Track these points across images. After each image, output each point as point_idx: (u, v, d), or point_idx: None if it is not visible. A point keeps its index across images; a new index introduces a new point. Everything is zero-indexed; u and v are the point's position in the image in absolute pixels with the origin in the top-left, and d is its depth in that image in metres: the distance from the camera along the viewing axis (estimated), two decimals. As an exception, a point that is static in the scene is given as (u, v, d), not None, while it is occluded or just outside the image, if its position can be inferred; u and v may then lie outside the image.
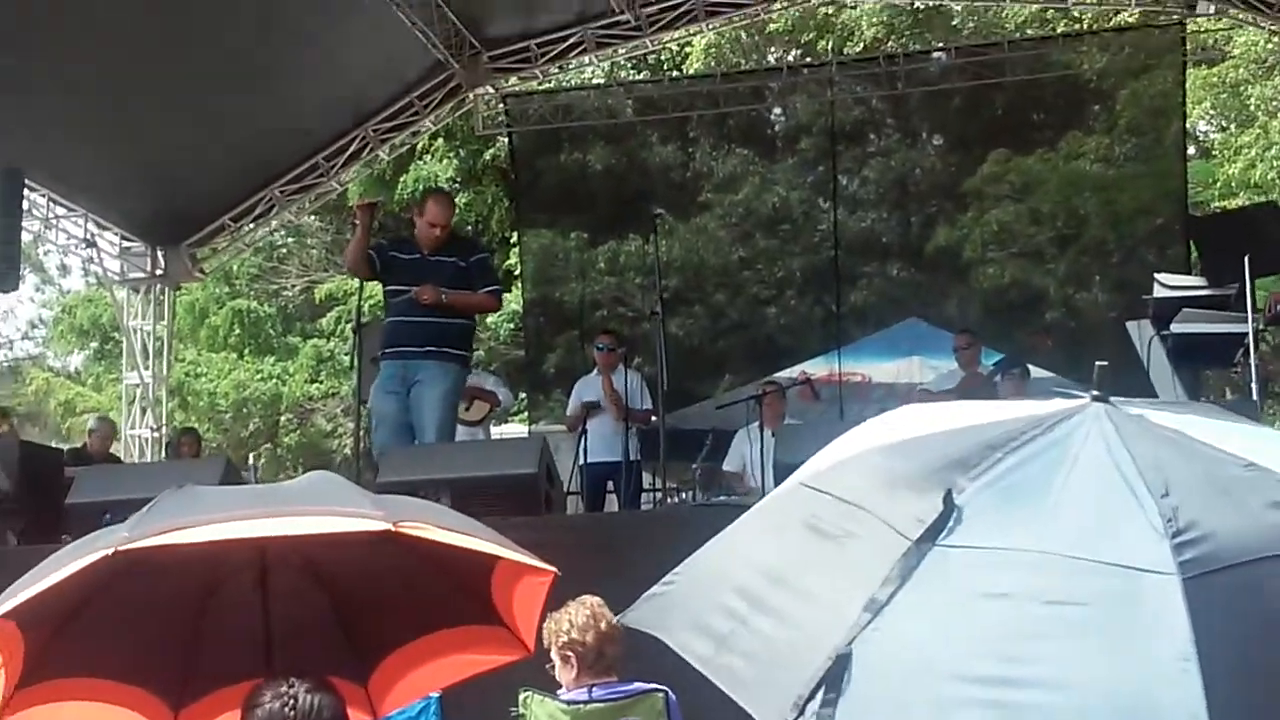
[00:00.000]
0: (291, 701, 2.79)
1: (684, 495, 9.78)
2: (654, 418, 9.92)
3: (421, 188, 21.81)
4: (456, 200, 21.72)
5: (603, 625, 4.49)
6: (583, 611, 4.52)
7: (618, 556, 6.23)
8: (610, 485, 10.28)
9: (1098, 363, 2.48)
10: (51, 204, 13.85)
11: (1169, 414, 2.44)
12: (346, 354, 19.91)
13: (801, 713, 2.12)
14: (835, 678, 2.10)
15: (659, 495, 10.12)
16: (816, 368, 13.89)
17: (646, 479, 10.58)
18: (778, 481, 6.87)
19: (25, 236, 13.26)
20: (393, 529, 2.81)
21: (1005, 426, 2.38)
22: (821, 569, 2.33)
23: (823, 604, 2.27)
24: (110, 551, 2.73)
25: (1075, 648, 2.06)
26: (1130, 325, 9.63)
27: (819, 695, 2.11)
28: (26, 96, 11.71)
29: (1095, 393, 2.42)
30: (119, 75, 12.01)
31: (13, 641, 3.00)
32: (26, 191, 12.55)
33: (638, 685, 4.58)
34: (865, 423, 2.72)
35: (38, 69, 11.47)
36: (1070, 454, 2.28)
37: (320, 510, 2.88)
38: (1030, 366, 10.24)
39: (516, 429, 15.90)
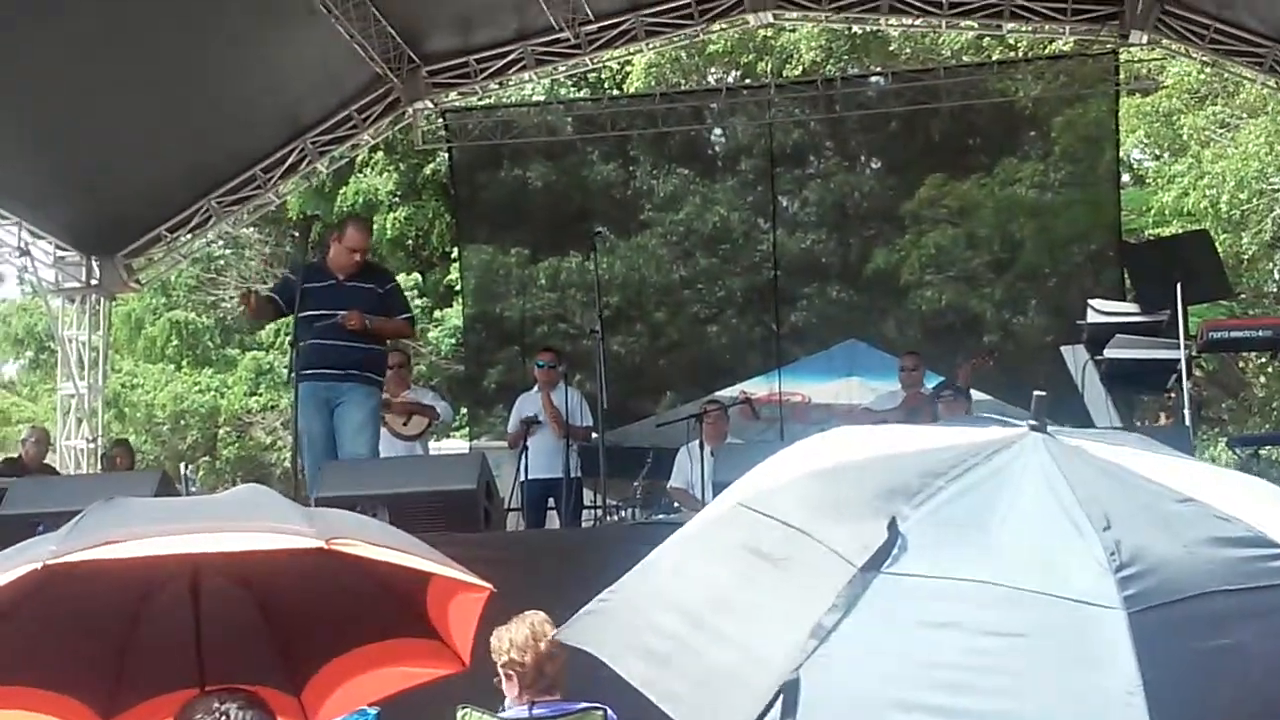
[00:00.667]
0: (224, 719, 2.77)
1: (625, 513, 9.80)
2: (594, 435, 9.94)
3: (361, 200, 21.82)
4: (397, 215, 21.86)
5: (542, 644, 4.48)
6: (522, 629, 4.51)
7: (558, 573, 6.24)
8: (551, 502, 10.28)
9: (1035, 392, 2.50)
10: (-16, 212, 13.67)
11: (1106, 445, 2.46)
12: (285, 367, 19.78)
13: None
14: (788, 704, 2.09)
15: (599, 512, 10.14)
16: (756, 387, 13.96)
17: (587, 496, 10.59)
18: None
19: (-43, 245, 13.11)
20: (325, 545, 2.80)
21: (944, 454, 2.38)
22: (764, 592, 2.32)
23: (767, 628, 2.26)
24: (39, 565, 2.70)
25: (1021, 679, 2.07)
26: (1065, 350, 9.75)
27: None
28: (-40, 102, 11.59)
29: (1033, 422, 2.43)
30: (54, 82, 11.86)
31: (-61, 650, 2.97)
32: (-43, 199, 12.42)
33: (579, 704, 4.57)
34: (801, 442, 2.71)
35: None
36: (1010, 484, 2.29)
37: (252, 526, 2.86)
38: (970, 389, 10.34)
39: (457, 444, 15.85)
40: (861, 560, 2.18)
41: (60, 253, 14.89)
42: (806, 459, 2.59)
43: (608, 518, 9.79)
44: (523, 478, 10.05)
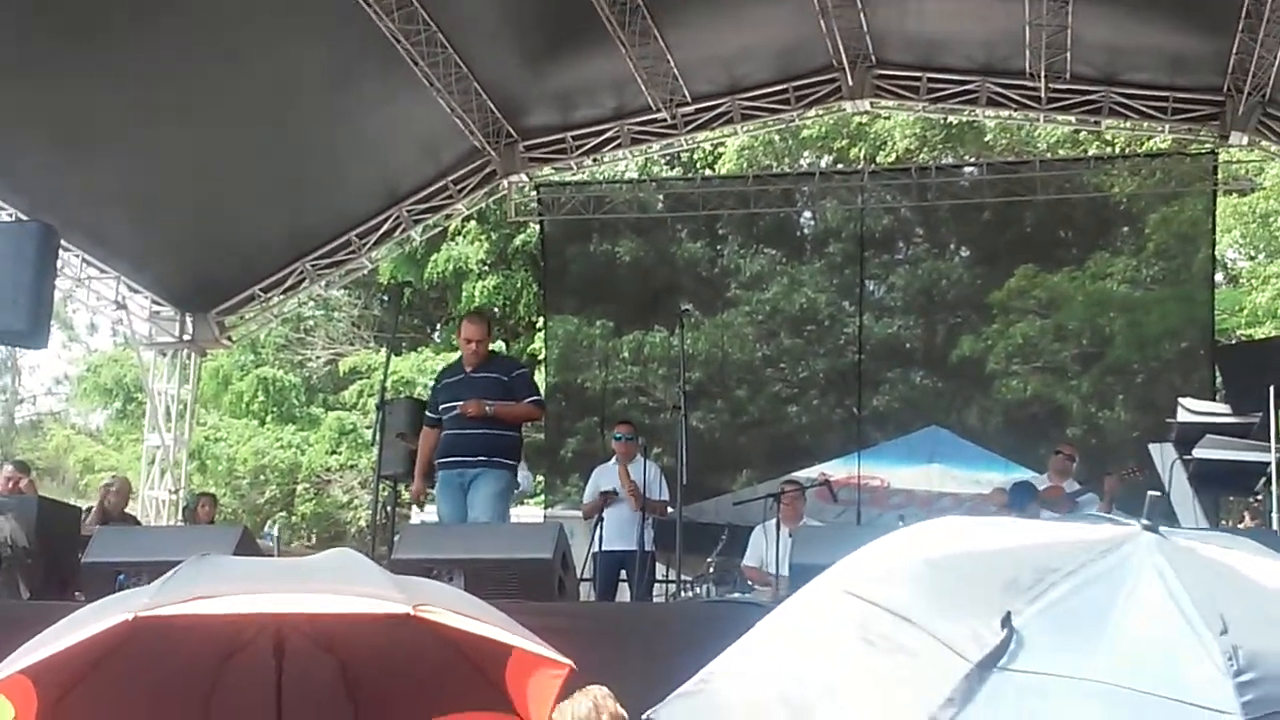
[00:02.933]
0: None
1: (697, 589, 9.73)
2: (670, 509, 9.92)
3: (451, 267, 22.07)
4: (486, 283, 22.08)
5: (604, 717, 4.46)
6: (585, 703, 4.49)
7: (629, 647, 6.21)
8: (624, 574, 10.25)
9: (1150, 493, 2.49)
10: (84, 264, 13.98)
11: (1217, 548, 2.43)
12: (368, 428, 19.97)
13: None
14: None
15: (672, 587, 10.09)
16: (835, 469, 13.86)
17: (660, 570, 10.55)
18: (794, 581, 6.87)
19: (56, 294, 13.38)
20: (411, 612, 2.82)
21: (1058, 550, 2.36)
22: (875, 683, 2.29)
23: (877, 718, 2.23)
24: (130, 617, 2.75)
25: None
26: (1153, 447, 9.60)
27: None
28: (71, 158, 11.91)
29: (1146, 522, 2.40)
30: (162, 143, 12.19)
31: (28, 697, 3.02)
32: (60, 250, 12.69)
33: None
34: (901, 531, 2.68)
35: (86, 133, 11.67)
36: (1126, 584, 2.26)
37: (341, 589, 2.90)
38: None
39: (532, 511, 15.89)
40: (976, 655, 2.16)
41: (156, 307, 15.20)
42: (913, 548, 2.56)
43: (681, 593, 9.74)
44: (596, 548, 10.04)
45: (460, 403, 8.62)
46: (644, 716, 4.44)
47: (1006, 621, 2.18)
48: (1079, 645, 2.19)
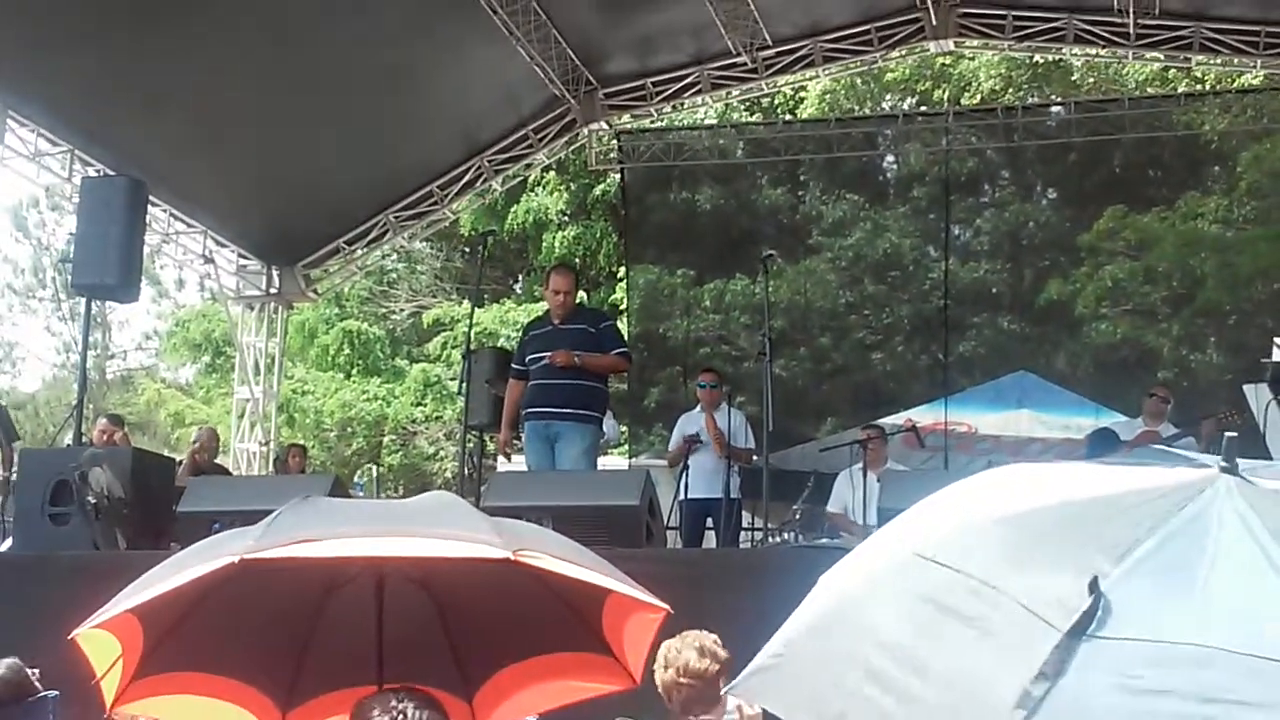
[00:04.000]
0: (401, 717, 2.81)
1: (784, 536, 9.71)
2: (756, 457, 9.90)
3: (531, 219, 22.11)
4: (566, 233, 22.11)
5: (713, 666, 4.48)
6: (689, 649, 4.51)
7: (716, 593, 6.23)
8: (710, 522, 10.25)
9: (1227, 434, 2.39)
10: (172, 219, 14.16)
11: None
12: (453, 379, 20.11)
13: None
14: None
15: (758, 534, 10.09)
16: (921, 415, 13.76)
17: (746, 517, 10.54)
18: (882, 525, 6.83)
19: (144, 249, 13.56)
20: (512, 557, 2.83)
21: (1137, 502, 2.27)
22: (958, 653, 2.20)
23: (964, 692, 2.16)
24: (236, 559, 2.79)
25: None
26: (1247, 389, 9.41)
27: None
28: (157, 113, 12.04)
29: (1224, 464, 2.30)
30: (246, 99, 12.30)
31: (134, 634, 3.09)
32: (148, 205, 12.86)
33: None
34: (968, 480, 2.58)
35: (171, 89, 11.79)
36: (1210, 535, 2.17)
37: (441, 533, 2.91)
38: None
39: (616, 461, 15.93)
40: (1064, 623, 2.07)
41: (242, 261, 15.38)
42: (982, 503, 2.46)
43: (767, 539, 9.73)
44: (682, 496, 10.05)
45: (549, 354, 8.67)
46: (722, 692, 4.47)
47: (1094, 587, 2.09)
48: (1169, 608, 2.10)
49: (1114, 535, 2.19)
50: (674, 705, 4.54)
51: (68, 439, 10.05)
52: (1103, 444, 10.02)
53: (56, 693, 5.10)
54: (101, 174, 12.16)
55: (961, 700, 2.16)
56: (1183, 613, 2.08)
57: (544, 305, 10.40)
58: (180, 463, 11.78)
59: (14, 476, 9.32)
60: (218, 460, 12.73)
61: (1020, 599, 2.16)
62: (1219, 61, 13.92)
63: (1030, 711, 2.03)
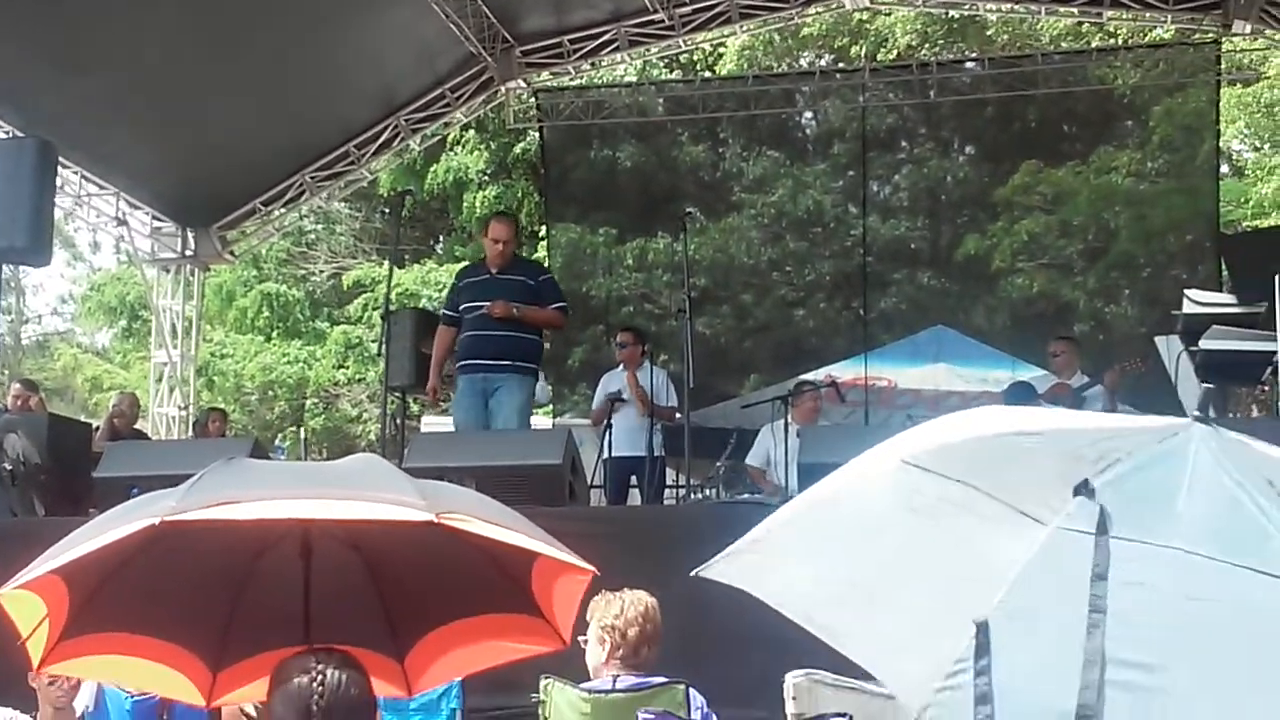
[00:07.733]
0: (320, 678, 2.81)
1: (707, 492, 9.80)
2: (678, 414, 9.96)
3: (451, 178, 21.97)
4: (486, 193, 21.99)
5: (648, 627, 4.55)
6: (636, 607, 4.56)
7: (641, 550, 6.27)
8: (634, 480, 10.32)
9: (1203, 385, 2.54)
10: (84, 181, 13.91)
11: (1264, 444, 2.47)
12: (374, 341, 19.99)
13: (950, 683, 2.13)
14: (981, 645, 2.11)
15: (682, 491, 10.16)
16: (842, 371, 13.88)
17: (670, 475, 10.61)
18: (801, 482, 6.90)
19: (57, 213, 13.33)
20: (435, 519, 2.83)
21: (1116, 431, 2.42)
22: (950, 543, 2.33)
23: (955, 577, 2.28)
24: (157, 521, 2.77)
25: (1217, 645, 2.09)
26: (1159, 340, 9.61)
27: (969, 666, 2.12)
28: (64, 73, 11.79)
29: (1198, 414, 2.43)
30: (157, 60, 12.09)
31: (59, 595, 3.07)
32: (59, 168, 12.62)
33: (660, 678, 4.60)
34: (951, 415, 2.71)
35: (80, 50, 11.56)
36: (1187, 466, 2.30)
37: (366, 495, 2.91)
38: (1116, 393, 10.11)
39: (540, 421, 15.94)
40: (1050, 520, 2.19)
41: (156, 223, 15.17)
42: (968, 427, 2.59)
43: (690, 496, 9.81)
44: (606, 455, 10.09)
45: (486, 303, 8.54)
46: (659, 623, 4.52)
47: (1080, 489, 2.21)
48: (1150, 517, 2.22)
49: (1095, 453, 2.32)
50: (597, 653, 4.58)
51: (-19, 406, 9.90)
52: (1020, 397, 10.18)
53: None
54: (9, 135, 11.92)
55: (952, 582, 2.27)
56: (1164, 521, 2.21)
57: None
58: (98, 428, 11.65)
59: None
60: (136, 426, 12.59)
61: (1006, 499, 2.29)
62: (1131, 16, 14.07)
63: (1014, 594, 2.15)
